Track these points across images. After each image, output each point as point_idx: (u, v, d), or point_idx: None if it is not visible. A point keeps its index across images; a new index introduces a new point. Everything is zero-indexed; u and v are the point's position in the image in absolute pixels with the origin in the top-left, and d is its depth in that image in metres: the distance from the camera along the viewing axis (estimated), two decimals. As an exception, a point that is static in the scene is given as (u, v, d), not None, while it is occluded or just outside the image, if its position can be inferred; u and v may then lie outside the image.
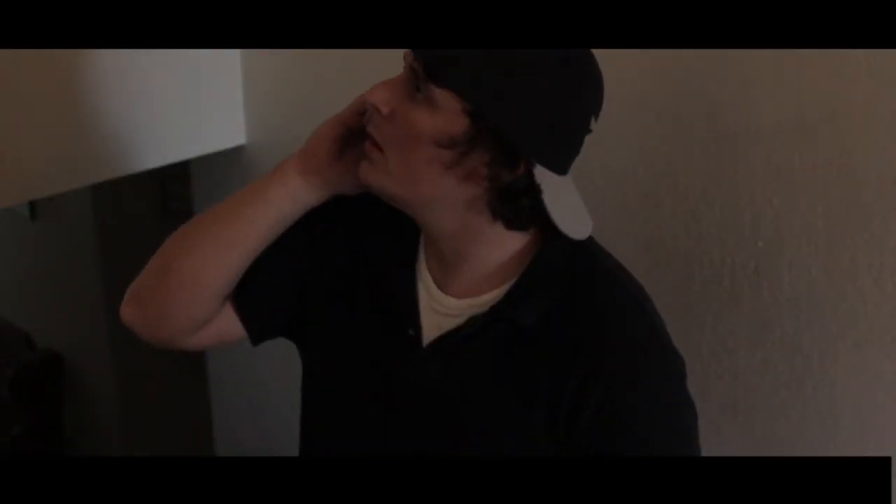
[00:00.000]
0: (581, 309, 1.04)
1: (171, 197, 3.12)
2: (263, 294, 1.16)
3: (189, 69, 1.88)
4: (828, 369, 1.31)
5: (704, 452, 1.10)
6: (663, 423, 1.04)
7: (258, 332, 1.20)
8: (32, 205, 3.26)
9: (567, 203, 1.03)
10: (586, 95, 1.00)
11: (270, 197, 1.10)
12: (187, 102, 1.91)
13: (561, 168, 1.01)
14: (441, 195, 1.00)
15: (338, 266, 1.15)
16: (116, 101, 1.77)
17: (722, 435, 1.41)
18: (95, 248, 3.16)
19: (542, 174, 0.98)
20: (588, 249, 1.08)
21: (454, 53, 0.95)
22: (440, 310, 1.08)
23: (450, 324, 1.07)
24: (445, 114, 0.96)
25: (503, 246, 1.05)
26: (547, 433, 1.03)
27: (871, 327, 1.26)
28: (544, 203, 0.99)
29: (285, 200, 1.10)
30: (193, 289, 1.11)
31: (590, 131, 1.02)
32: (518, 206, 1.00)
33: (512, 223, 1.03)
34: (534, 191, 0.99)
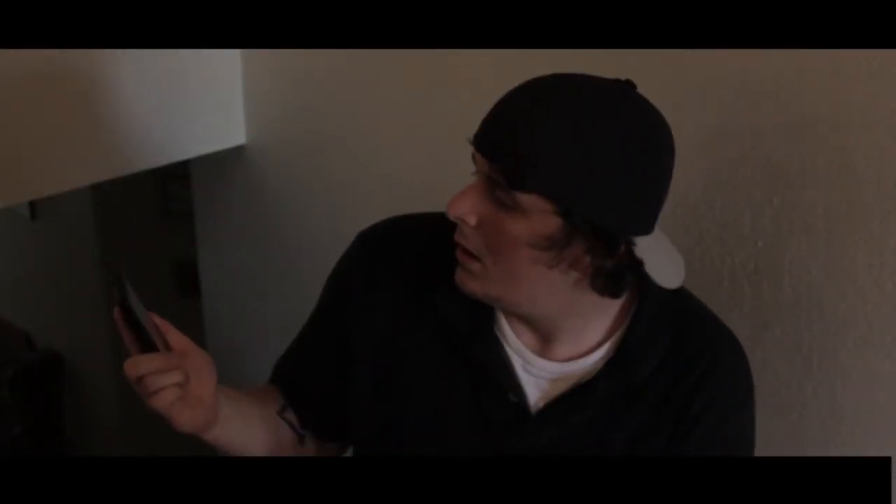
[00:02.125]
0: (690, 353, 1.05)
1: (171, 197, 3.12)
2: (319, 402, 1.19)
3: (189, 69, 1.88)
4: (828, 369, 1.31)
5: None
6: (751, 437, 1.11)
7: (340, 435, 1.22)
8: (32, 205, 3.26)
9: (661, 255, 1.01)
10: (665, 159, 0.99)
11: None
12: (187, 102, 1.91)
13: (652, 229, 0.99)
14: (546, 288, 1.00)
15: (394, 323, 1.11)
16: (116, 100, 1.77)
17: (722, 435, 1.41)
18: (95, 248, 3.16)
19: (640, 246, 0.97)
20: (678, 293, 1.07)
21: (531, 159, 0.93)
22: (543, 375, 1.07)
23: (557, 388, 1.06)
24: (536, 216, 0.94)
25: (605, 312, 1.06)
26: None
27: (871, 327, 1.26)
28: (647, 272, 0.98)
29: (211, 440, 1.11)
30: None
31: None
32: (623, 281, 0.99)
33: (617, 294, 1.01)
34: (636, 265, 0.98)
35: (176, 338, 1.04)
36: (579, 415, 1.05)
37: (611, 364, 1.05)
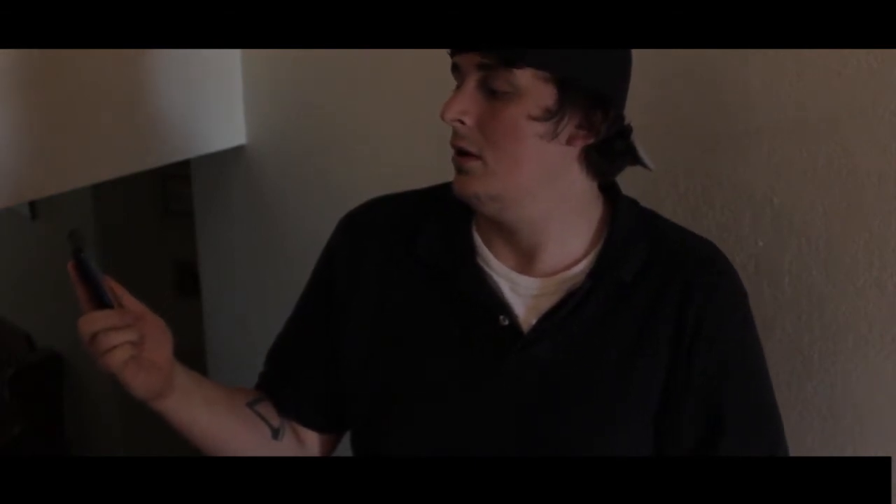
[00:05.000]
0: (673, 255, 1.09)
1: (171, 197, 3.13)
2: (301, 395, 1.20)
3: (189, 69, 1.88)
4: (828, 369, 1.31)
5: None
6: (759, 349, 1.12)
7: (322, 424, 1.23)
8: (32, 205, 3.27)
9: (635, 139, 1.07)
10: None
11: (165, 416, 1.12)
12: (187, 102, 1.91)
13: (624, 108, 1.06)
14: (547, 169, 1.03)
15: (381, 290, 1.14)
16: (116, 100, 1.77)
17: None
18: (95, 248, 3.16)
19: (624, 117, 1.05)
20: (645, 208, 1.15)
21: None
22: (532, 293, 1.09)
23: (547, 302, 1.08)
24: (532, 92, 0.99)
25: (585, 215, 1.09)
26: (662, 381, 1.06)
27: (871, 327, 1.26)
28: (633, 141, 1.05)
29: (167, 411, 1.11)
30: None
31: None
32: (614, 152, 1.05)
33: (607, 173, 1.08)
34: (626, 132, 1.05)
35: (130, 301, 1.04)
36: (571, 324, 1.07)
37: (595, 269, 1.07)
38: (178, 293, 3.13)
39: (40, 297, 3.45)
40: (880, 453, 1.28)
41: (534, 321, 1.08)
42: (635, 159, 1.07)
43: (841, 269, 1.27)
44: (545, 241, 1.08)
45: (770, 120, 1.29)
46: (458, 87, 1.02)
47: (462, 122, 1.01)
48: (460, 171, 1.04)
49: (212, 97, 1.97)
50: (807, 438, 1.35)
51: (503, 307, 1.08)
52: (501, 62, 0.98)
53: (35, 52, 1.55)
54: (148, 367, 1.03)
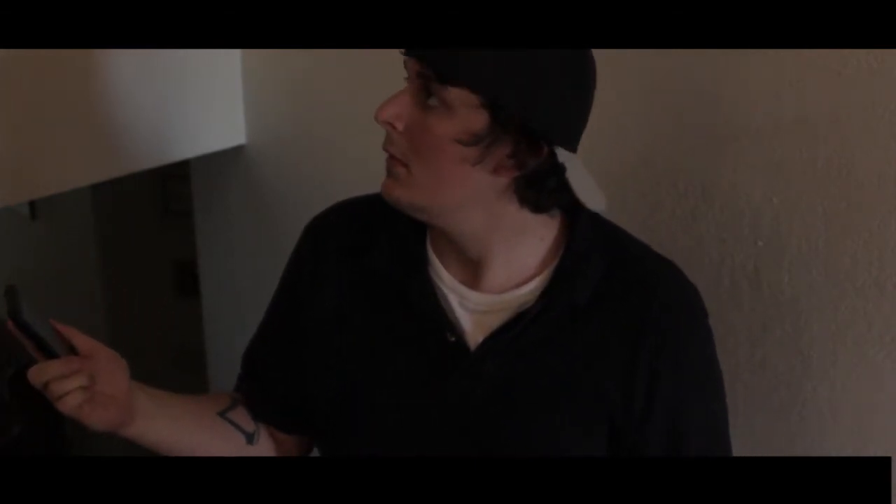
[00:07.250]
0: (631, 278, 1.06)
1: (171, 197, 3.12)
2: (276, 400, 1.21)
3: (189, 69, 1.88)
4: (828, 369, 1.31)
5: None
6: (719, 379, 1.11)
7: (293, 427, 1.23)
8: (32, 205, 3.26)
9: (582, 177, 1.03)
10: (588, 71, 1.01)
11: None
12: (187, 102, 1.91)
13: (574, 145, 1.02)
14: (471, 193, 1.01)
15: (338, 295, 1.14)
16: (116, 100, 1.77)
17: (722, 435, 1.41)
18: (95, 248, 3.16)
19: (561, 153, 1.00)
20: (608, 225, 1.11)
21: (462, 52, 0.96)
22: (480, 308, 1.07)
23: (495, 320, 1.06)
24: (463, 112, 0.97)
25: (533, 235, 1.06)
26: (616, 409, 1.05)
27: (871, 327, 1.26)
28: (568, 180, 1.00)
29: (133, 438, 1.15)
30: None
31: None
32: (545, 188, 1.01)
33: (539, 206, 1.03)
34: (559, 170, 1.00)
35: (81, 341, 1.06)
36: (519, 344, 1.05)
37: (547, 290, 1.05)
38: (178, 293, 3.13)
39: (40, 297, 3.46)
40: (880, 453, 1.28)
41: (481, 338, 1.06)
42: (570, 198, 1.03)
43: (841, 269, 1.27)
44: (489, 257, 1.06)
45: (770, 120, 1.29)
46: (402, 89, 1.01)
47: (393, 127, 1.01)
48: (388, 173, 1.03)
49: (212, 97, 1.97)
50: (807, 438, 1.35)
51: (450, 324, 1.07)
52: (436, 76, 0.96)
53: (35, 51, 1.55)
54: (105, 402, 1.04)
